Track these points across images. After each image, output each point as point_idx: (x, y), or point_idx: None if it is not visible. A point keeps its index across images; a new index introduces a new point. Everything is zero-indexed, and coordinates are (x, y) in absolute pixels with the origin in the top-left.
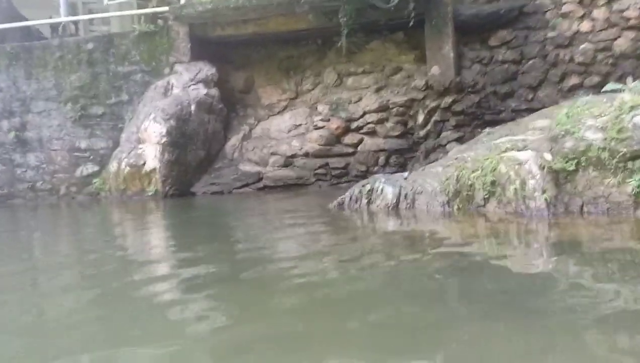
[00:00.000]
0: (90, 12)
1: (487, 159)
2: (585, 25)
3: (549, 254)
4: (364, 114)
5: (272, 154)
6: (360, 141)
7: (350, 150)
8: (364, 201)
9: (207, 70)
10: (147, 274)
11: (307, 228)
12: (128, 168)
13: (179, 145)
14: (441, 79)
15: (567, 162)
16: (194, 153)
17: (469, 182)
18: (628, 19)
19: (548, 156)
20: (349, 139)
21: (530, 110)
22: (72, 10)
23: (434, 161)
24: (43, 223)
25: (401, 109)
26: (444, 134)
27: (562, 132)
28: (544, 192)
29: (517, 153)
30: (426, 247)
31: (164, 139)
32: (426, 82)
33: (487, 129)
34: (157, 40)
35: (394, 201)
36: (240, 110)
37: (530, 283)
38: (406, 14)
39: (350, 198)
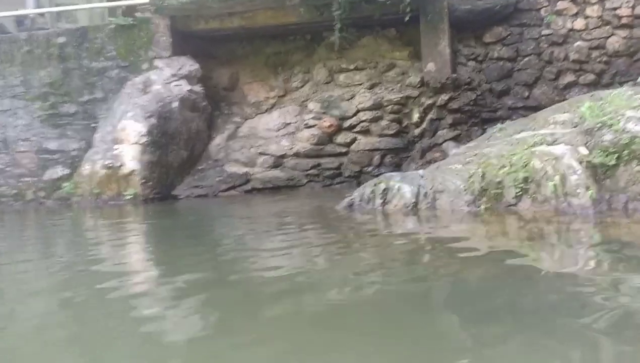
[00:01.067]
0: (58, 6)
1: (514, 154)
2: (579, 23)
3: (609, 257)
4: (357, 111)
5: (261, 154)
6: (354, 140)
7: (343, 149)
8: (378, 201)
9: (190, 65)
10: (123, 287)
11: (317, 234)
12: (103, 170)
13: (160, 145)
14: (437, 75)
15: (607, 156)
16: (176, 153)
17: (497, 179)
18: (620, 17)
19: (584, 150)
20: (342, 138)
21: (527, 108)
22: (39, 5)
23: (430, 161)
24: (6, 231)
25: (396, 106)
26: (440, 132)
27: (598, 125)
28: (587, 188)
29: (550, 147)
30: (462, 253)
31: (144, 139)
32: (421, 79)
33: (499, 125)
34: (135, 34)
35: (413, 201)
36: (225, 108)
37: (596, 294)
38: (401, 9)
39: (361, 199)
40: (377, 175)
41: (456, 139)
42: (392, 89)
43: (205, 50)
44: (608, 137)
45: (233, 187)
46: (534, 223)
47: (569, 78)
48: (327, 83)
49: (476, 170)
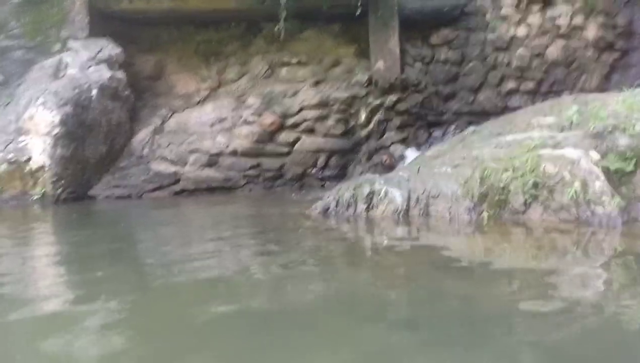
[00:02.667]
0: None
1: (514, 157)
2: (522, 30)
3: None
4: (301, 109)
5: (192, 151)
6: (297, 139)
7: (286, 149)
8: (361, 206)
9: (111, 48)
10: (28, 310)
11: (301, 257)
12: (4, 165)
13: (76, 137)
14: (387, 74)
15: (624, 161)
16: (95, 148)
17: (501, 184)
18: (559, 27)
19: (595, 155)
20: (284, 136)
21: (472, 113)
22: None
23: (377, 164)
24: None
25: (342, 105)
26: (387, 134)
27: (609, 128)
28: (613, 195)
29: (562, 151)
30: (477, 275)
31: (57, 130)
32: (369, 77)
33: (472, 127)
34: (45, 11)
35: (404, 206)
36: (149, 99)
37: None
38: (352, 2)
39: (338, 204)
40: (321, 178)
41: (403, 142)
42: (339, 87)
43: (126, 34)
44: (624, 141)
45: (160, 188)
46: (553, 234)
47: (511, 85)
48: (266, 77)
49: (472, 174)
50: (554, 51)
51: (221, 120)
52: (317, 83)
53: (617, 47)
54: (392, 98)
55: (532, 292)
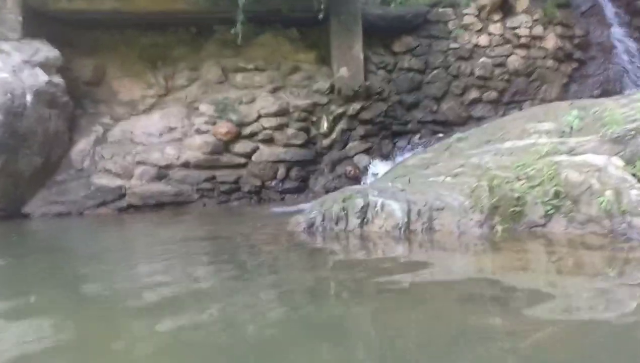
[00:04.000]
0: None
1: (524, 165)
2: (483, 39)
3: None
4: (259, 117)
5: (139, 163)
6: (255, 150)
7: (243, 160)
8: (354, 221)
9: (47, 51)
10: None
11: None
12: None
13: (8, 148)
14: (350, 82)
15: None
16: (29, 159)
17: (515, 194)
18: (519, 37)
19: (618, 161)
20: (241, 146)
21: (436, 123)
22: None
23: (341, 175)
24: None
25: (303, 113)
26: (350, 144)
27: (631, 133)
28: None
29: (585, 157)
30: (512, 309)
31: None
32: (331, 85)
33: (458, 134)
34: None
35: (405, 220)
36: (89, 107)
37: None
38: (315, 6)
39: (325, 218)
40: (281, 191)
41: (367, 152)
42: (299, 94)
43: (63, 36)
44: None
45: (104, 204)
46: (576, 249)
47: (474, 94)
48: (220, 83)
49: (478, 183)
50: (515, 61)
51: (171, 129)
52: (275, 90)
53: (575, 57)
54: (355, 106)
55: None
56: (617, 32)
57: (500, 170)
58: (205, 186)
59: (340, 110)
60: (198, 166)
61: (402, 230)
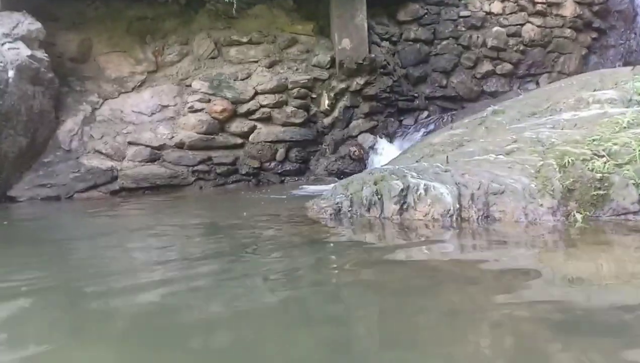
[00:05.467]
0: None
1: (599, 138)
2: (496, 6)
3: None
4: (256, 94)
5: (131, 143)
6: (252, 129)
7: (239, 140)
8: (392, 207)
9: (29, 24)
10: None
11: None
12: None
13: None
14: (353, 54)
15: None
16: (13, 140)
17: (597, 175)
18: (535, 4)
19: None
20: (237, 126)
21: (445, 98)
22: None
23: (345, 156)
24: None
25: (303, 90)
26: (354, 122)
27: None
28: None
29: None
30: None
31: None
32: (332, 58)
33: (492, 107)
34: None
35: (456, 206)
36: (75, 84)
37: None
38: None
39: (353, 204)
40: (280, 173)
41: (372, 131)
42: (297, 69)
43: (45, 10)
44: None
45: (94, 187)
46: None
47: (486, 67)
48: (213, 58)
49: (543, 161)
50: (531, 30)
51: (162, 107)
52: (272, 64)
53: (595, 27)
54: (359, 81)
55: None
56: None
57: (570, 145)
58: (201, 168)
59: (342, 85)
60: (193, 147)
61: (454, 217)
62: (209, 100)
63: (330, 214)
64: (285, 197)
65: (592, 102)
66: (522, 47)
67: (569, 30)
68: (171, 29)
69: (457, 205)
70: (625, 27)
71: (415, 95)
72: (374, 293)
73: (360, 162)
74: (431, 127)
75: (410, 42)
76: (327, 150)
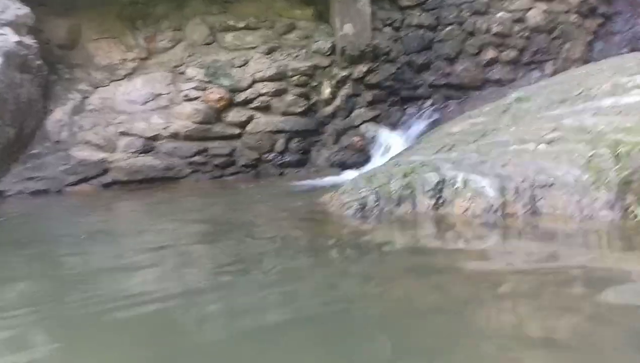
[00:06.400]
0: None
1: None
2: None
3: None
4: (254, 82)
5: (123, 134)
6: (250, 119)
7: (237, 130)
8: (425, 202)
9: (16, 8)
10: None
11: None
12: None
13: None
14: (356, 40)
15: None
16: (1, 131)
17: None
18: None
19: None
20: (235, 115)
21: (449, 86)
22: None
23: (347, 147)
24: None
25: (303, 78)
26: (356, 111)
27: None
28: None
29: None
30: None
31: None
32: (333, 44)
33: (514, 94)
34: None
35: (500, 201)
36: (64, 72)
37: None
38: None
39: (379, 199)
40: (280, 165)
41: (375, 121)
42: (297, 56)
43: None
44: None
45: (85, 180)
46: None
47: (491, 54)
48: (208, 44)
49: (594, 151)
50: (536, 15)
51: (156, 96)
52: (270, 51)
53: (600, 12)
54: (361, 69)
55: None
56: None
57: (623, 133)
58: (197, 159)
59: (344, 73)
60: (188, 137)
61: (498, 213)
62: (205, 89)
63: (356, 210)
64: (292, 190)
65: (631, 86)
66: (527, 33)
67: (574, 16)
68: (163, 14)
69: (501, 200)
70: (631, 12)
71: (419, 83)
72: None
73: (363, 153)
74: (436, 116)
75: (413, 28)
76: (329, 140)
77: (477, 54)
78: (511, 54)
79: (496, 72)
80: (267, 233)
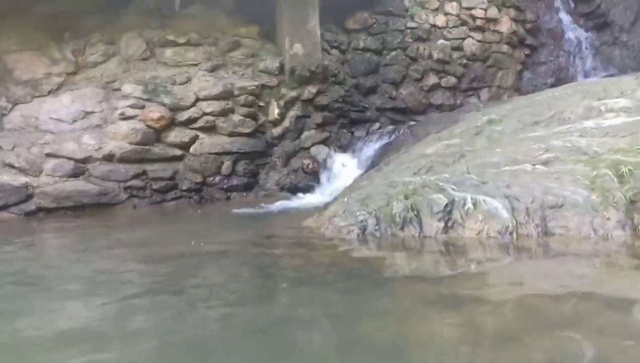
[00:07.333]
0: None
1: None
2: (440, 19)
3: None
4: (198, 100)
5: (49, 155)
6: (194, 139)
7: (179, 152)
8: (435, 225)
9: None
10: None
11: None
12: None
13: None
14: (306, 61)
15: None
16: None
17: None
18: (475, 18)
19: None
20: (177, 135)
21: (395, 110)
22: None
23: (297, 169)
24: None
25: (250, 97)
26: (306, 133)
27: None
28: None
29: None
30: None
31: None
32: (281, 64)
33: (486, 116)
34: None
35: (514, 222)
36: None
37: None
38: None
39: (380, 221)
40: (226, 189)
41: (325, 143)
42: (243, 74)
43: None
44: None
45: (5, 207)
46: None
47: (433, 79)
48: (144, 59)
49: (596, 171)
50: (472, 44)
51: (87, 114)
52: (214, 68)
53: (527, 43)
54: (311, 90)
55: None
56: (565, 18)
57: (620, 154)
58: (135, 183)
59: (293, 93)
60: (125, 159)
61: (512, 235)
62: (144, 106)
63: (358, 234)
64: (260, 211)
65: (605, 110)
66: (464, 61)
67: (505, 46)
68: (94, 26)
69: (514, 221)
70: (554, 44)
71: (366, 106)
72: None
73: (314, 176)
74: (387, 139)
75: (360, 51)
76: (278, 162)
77: (420, 79)
78: (451, 80)
79: (438, 97)
80: (269, 257)
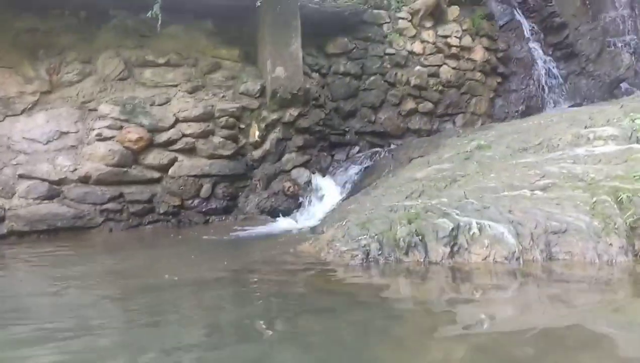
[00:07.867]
0: None
1: None
2: (417, 47)
3: None
4: (177, 122)
5: (22, 176)
6: (173, 161)
7: (157, 174)
8: (441, 250)
9: None
10: None
11: None
12: None
13: None
14: (288, 84)
15: None
16: None
17: None
18: (450, 46)
19: None
20: (155, 157)
21: (374, 134)
22: None
23: (278, 192)
24: None
25: (231, 119)
26: (287, 156)
27: None
28: None
29: None
30: None
31: None
32: (262, 86)
33: (475, 142)
34: None
35: (520, 248)
36: None
37: None
38: None
39: (383, 247)
40: (205, 212)
41: (306, 166)
42: (223, 96)
43: None
44: None
45: None
46: None
47: (410, 105)
48: (122, 79)
49: (596, 198)
50: (447, 72)
51: (62, 134)
52: (194, 90)
53: (499, 71)
54: (292, 113)
55: None
56: (535, 47)
57: (617, 181)
58: (111, 206)
59: (274, 116)
60: (101, 181)
61: (518, 260)
62: (121, 127)
63: (362, 259)
64: (245, 235)
65: (593, 138)
66: (440, 88)
67: (479, 74)
68: (69, 44)
69: (519, 247)
70: (524, 73)
71: (346, 129)
72: None
73: (295, 199)
74: (367, 162)
75: (340, 76)
76: (258, 185)
77: (398, 104)
78: (428, 105)
79: (415, 122)
80: (265, 286)
